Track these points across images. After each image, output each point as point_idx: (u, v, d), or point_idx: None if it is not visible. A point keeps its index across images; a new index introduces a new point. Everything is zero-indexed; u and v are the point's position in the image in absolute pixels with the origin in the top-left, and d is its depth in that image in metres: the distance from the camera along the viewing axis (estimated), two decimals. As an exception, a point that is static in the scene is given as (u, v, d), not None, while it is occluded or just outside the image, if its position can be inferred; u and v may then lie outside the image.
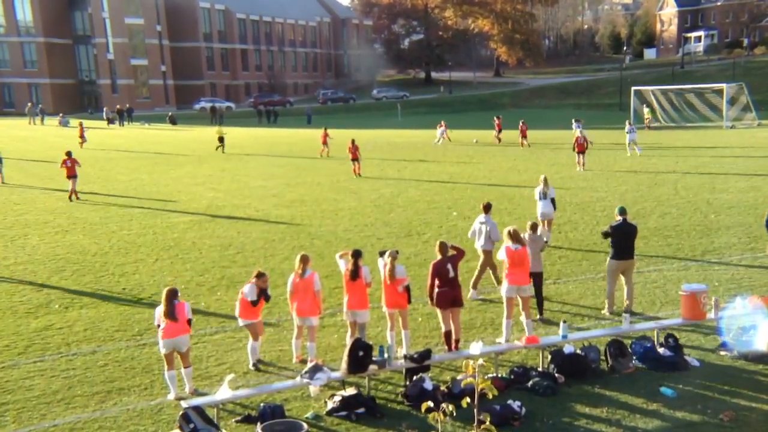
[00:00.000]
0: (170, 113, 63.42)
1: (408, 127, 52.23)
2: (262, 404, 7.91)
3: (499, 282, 11.44)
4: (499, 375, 8.64)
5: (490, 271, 12.02)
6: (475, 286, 11.83)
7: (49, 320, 11.16)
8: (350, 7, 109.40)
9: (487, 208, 11.96)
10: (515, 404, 7.64)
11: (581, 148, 26.95)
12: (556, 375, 8.54)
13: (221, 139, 36.94)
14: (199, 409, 7.41)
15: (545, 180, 14.90)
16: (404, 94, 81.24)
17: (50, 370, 9.23)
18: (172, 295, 8.30)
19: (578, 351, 8.82)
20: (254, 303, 8.97)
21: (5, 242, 16.63)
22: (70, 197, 22.32)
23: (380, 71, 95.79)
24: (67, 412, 8.07)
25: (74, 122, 55.61)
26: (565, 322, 9.35)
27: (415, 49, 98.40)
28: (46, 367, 9.31)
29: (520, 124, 37.21)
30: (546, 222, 14.88)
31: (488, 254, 11.78)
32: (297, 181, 26.06)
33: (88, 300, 12.16)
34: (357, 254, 9.29)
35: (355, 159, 27.04)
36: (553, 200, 14.89)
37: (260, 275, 9.08)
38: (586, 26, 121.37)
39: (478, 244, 11.86)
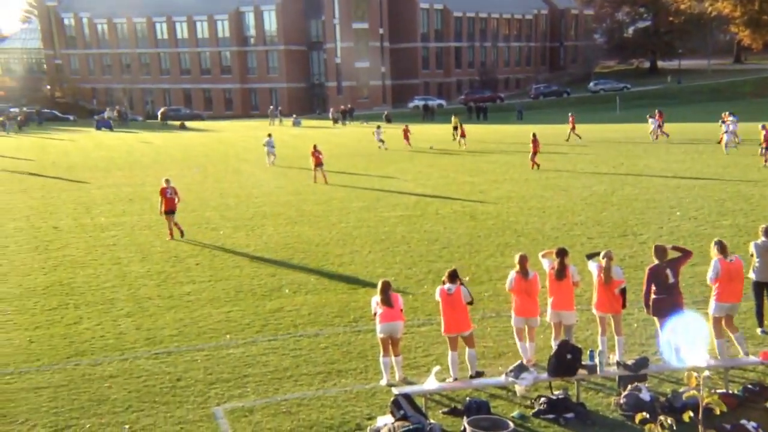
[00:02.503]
0: (386, 112, 66.63)
1: (627, 122, 49.02)
2: (468, 398, 8.08)
3: None
4: (731, 392, 7.86)
5: None
6: None
7: (281, 303, 12.47)
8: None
9: None
10: (750, 424, 6.94)
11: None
12: (800, 400, 7.54)
13: (455, 128, 39.89)
14: (408, 397, 7.81)
15: None
16: (625, 85, 76.12)
17: (281, 348, 10.34)
18: (388, 286, 8.95)
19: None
20: (471, 302, 8.84)
21: (247, 231, 18.86)
22: (325, 181, 26.13)
23: (599, 62, 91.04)
24: (295, 388, 8.99)
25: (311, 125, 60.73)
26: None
27: (640, 37, 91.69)
28: (278, 346, 10.44)
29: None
30: None
31: None
32: (504, 178, 25.91)
33: (312, 286, 13.37)
34: (563, 252, 9.07)
35: (535, 152, 27.53)
36: None
37: (455, 276, 8.73)
38: None
39: None
